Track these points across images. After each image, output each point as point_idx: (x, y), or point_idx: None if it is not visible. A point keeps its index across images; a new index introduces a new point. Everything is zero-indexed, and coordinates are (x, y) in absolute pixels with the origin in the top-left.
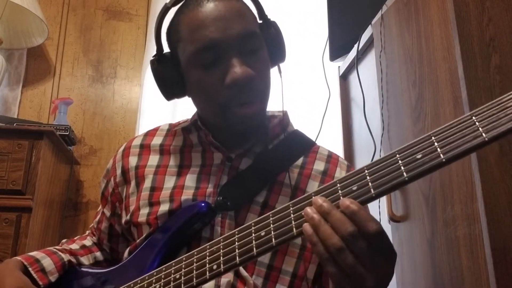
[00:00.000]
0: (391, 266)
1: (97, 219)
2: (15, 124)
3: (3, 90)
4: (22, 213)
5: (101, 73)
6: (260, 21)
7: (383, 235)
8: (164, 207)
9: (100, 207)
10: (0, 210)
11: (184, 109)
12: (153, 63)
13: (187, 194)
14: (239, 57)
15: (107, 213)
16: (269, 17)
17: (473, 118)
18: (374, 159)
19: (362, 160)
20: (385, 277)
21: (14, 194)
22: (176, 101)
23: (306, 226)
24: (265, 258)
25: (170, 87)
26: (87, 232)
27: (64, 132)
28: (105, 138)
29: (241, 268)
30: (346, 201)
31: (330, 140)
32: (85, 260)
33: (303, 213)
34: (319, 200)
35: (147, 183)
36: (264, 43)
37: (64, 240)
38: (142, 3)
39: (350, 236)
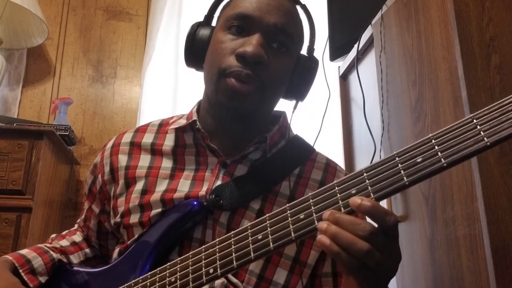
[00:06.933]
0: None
1: (83, 216)
2: (15, 124)
3: (3, 90)
4: (22, 213)
5: (101, 73)
6: (306, 54)
7: (397, 225)
8: (157, 209)
9: (86, 203)
10: (0, 210)
11: (184, 110)
12: (193, 26)
13: (179, 196)
14: (261, 39)
15: (96, 210)
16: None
17: (474, 121)
18: (374, 160)
19: (362, 160)
20: (399, 256)
21: (14, 194)
22: (176, 101)
23: (322, 237)
24: (257, 268)
25: (195, 51)
26: (76, 226)
27: (64, 132)
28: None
29: (230, 275)
30: (356, 199)
31: (330, 140)
32: (75, 258)
33: (318, 227)
34: (326, 212)
35: (139, 186)
36: (293, 59)
37: (53, 235)
38: (142, 3)
39: (370, 234)
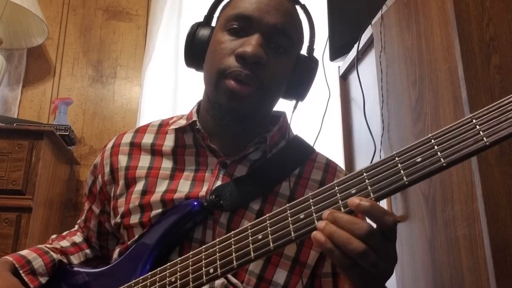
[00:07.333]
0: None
1: (84, 216)
2: (15, 124)
3: (3, 90)
4: (22, 213)
5: (101, 73)
6: (306, 54)
7: (396, 225)
8: (157, 209)
9: (86, 203)
10: (0, 210)
11: (184, 110)
12: (193, 26)
13: (179, 196)
14: (261, 39)
15: (96, 210)
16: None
17: (474, 121)
18: (374, 160)
19: (362, 160)
20: (395, 259)
21: (14, 194)
22: (176, 101)
23: (317, 234)
24: (257, 268)
25: (195, 51)
26: (76, 226)
27: (64, 132)
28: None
29: (230, 275)
30: (355, 199)
31: (330, 140)
32: (75, 258)
33: (317, 226)
34: (326, 211)
35: (139, 186)
36: (293, 59)
37: (54, 236)
38: (142, 3)
39: (367, 234)
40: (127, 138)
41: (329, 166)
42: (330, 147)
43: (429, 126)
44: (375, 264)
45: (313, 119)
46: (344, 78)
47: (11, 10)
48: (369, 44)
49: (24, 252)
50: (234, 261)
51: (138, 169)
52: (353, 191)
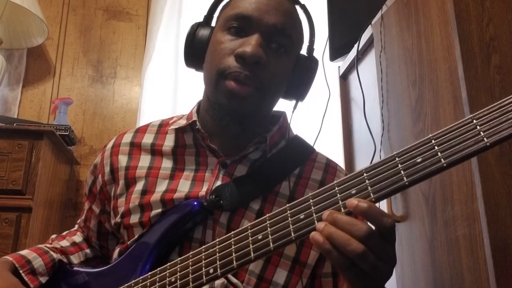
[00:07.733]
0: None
1: (84, 216)
2: (15, 124)
3: (3, 90)
4: (22, 213)
5: (101, 73)
6: (306, 54)
7: (394, 227)
8: (157, 209)
9: (86, 203)
10: (0, 210)
11: (184, 110)
12: (193, 26)
13: (179, 196)
14: (260, 39)
15: (96, 210)
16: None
17: (474, 121)
18: (374, 160)
19: (362, 160)
20: (395, 261)
21: (14, 194)
22: (176, 101)
23: (315, 235)
24: (257, 268)
25: (195, 51)
26: (76, 226)
27: (64, 132)
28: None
29: (230, 275)
30: (353, 201)
31: (330, 140)
32: (75, 258)
33: (316, 227)
34: (326, 212)
35: (139, 186)
36: (293, 59)
37: (53, 236)
38: (142, 3)
39: (366, 235)
40: (127, 138)
41: (329, 166)
42: (330, 147)
43: (429, 126)
44: (374, 266)
45: (313, 119)
46: (344, 78)
47: (11, 10)
48: (369, 44)
49: (24, 252)
50: (234, 261)
51: (138, 169)
52: (353, 192)
